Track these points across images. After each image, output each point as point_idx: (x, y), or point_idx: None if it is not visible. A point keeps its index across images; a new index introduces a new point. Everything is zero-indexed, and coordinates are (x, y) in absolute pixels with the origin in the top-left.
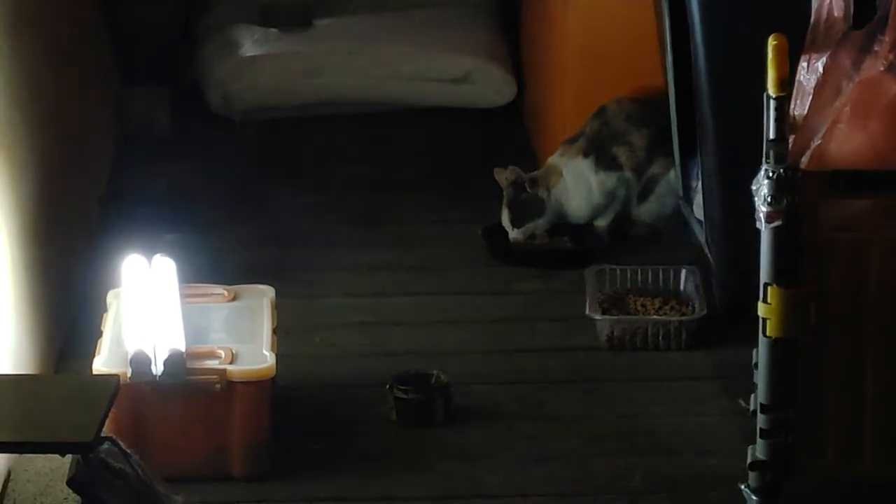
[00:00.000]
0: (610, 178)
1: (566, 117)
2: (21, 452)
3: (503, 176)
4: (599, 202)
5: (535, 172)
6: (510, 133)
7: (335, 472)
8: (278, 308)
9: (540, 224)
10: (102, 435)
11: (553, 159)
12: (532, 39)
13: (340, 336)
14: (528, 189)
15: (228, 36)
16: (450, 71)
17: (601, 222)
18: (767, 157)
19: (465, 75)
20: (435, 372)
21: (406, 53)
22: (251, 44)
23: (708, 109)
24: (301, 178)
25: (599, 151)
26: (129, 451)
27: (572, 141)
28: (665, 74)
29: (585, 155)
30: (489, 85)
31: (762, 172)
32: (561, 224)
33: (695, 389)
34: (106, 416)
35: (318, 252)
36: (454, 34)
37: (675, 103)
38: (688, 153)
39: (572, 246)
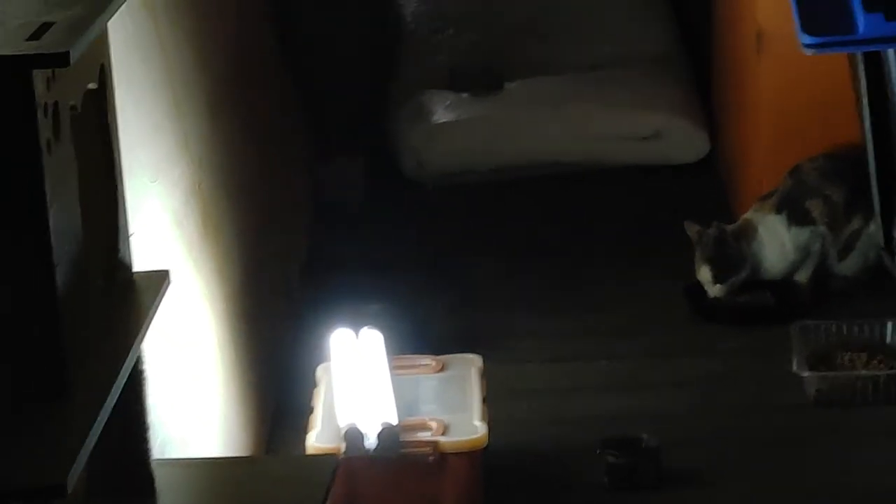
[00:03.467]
0: (803, 233)
1: (762, 174)
2: None
3: (695, 230)
4: (794, 258)
5: (733, 226)
6: (704, 187)
7: None
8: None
9: (740, 278)
10: None
11: (748, 215)
12: (724, 93)
13: (546, 402)
14: (732, 243)
15: (419, 102)
16: (640, 129)
17: (801, 276)
18: None
19: (656, 133)
20: (644, 435)
21: (597, 112)
22: (443, 109)
23: None
24: (495, 243)
25: (792, 207)
26: None
27: (767, 197)
28: (862, 126)
29: (778, 211)
30: (680, 141)
31: None
32: (762, 280)
33: None
34: (326, 497)
35: (517, 317)
36: (643, 91)
37: (873, 153)
38: (889, 204)
39: (774, 302)
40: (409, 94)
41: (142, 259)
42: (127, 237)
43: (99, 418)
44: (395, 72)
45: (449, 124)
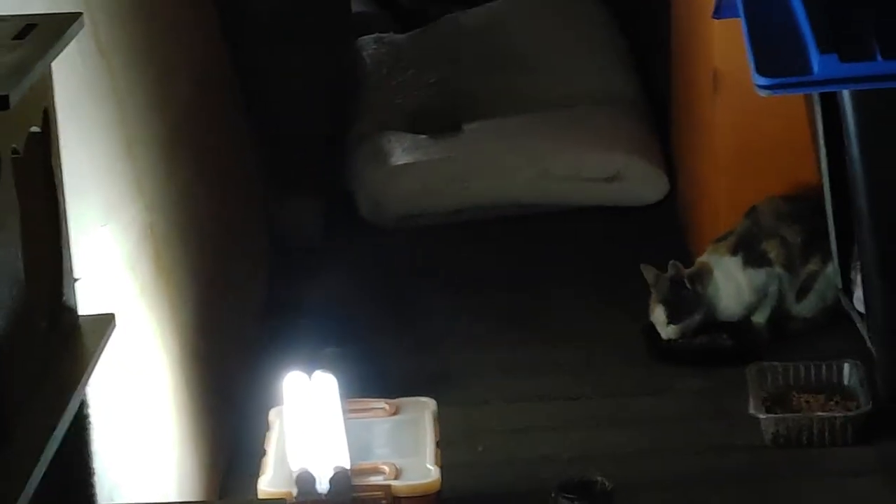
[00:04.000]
0: (759, 276)
1: (718, 215)
2: None
3: (653, 273)
4: (750, 300)
5: (690, 270)
6: (664, 228)
7: None
8: (439, 417)
9: (695, 320)
10: None
11: (704, 257)
12: (682, 134)
13: (502, 443)
14: (688, 285)
15: (378, 144)
16: (601, 169)
17: (758, 318)
18: None
19: (617, 173)
20: (599, 478)
21: (557, 153)
22: (401, 151)
23: (864, 203)
24: (455, 284)
25: (748, 249)
26: None
27: (722, 239)
28: (819, 168)
29: (734, 253)
30: (641, 182)
31: None
32: (720, 322)
33: (862, 486)
34: None
35: (475, 357)
36: (603, 132)
37: (829, 195)
38: (846, 245)
39: (732, 343)
40: (367, 135)
41: (93, 303)
42: (72, 281)
43: (39, 465)
44: (353, 113)
45: (406, 166)
